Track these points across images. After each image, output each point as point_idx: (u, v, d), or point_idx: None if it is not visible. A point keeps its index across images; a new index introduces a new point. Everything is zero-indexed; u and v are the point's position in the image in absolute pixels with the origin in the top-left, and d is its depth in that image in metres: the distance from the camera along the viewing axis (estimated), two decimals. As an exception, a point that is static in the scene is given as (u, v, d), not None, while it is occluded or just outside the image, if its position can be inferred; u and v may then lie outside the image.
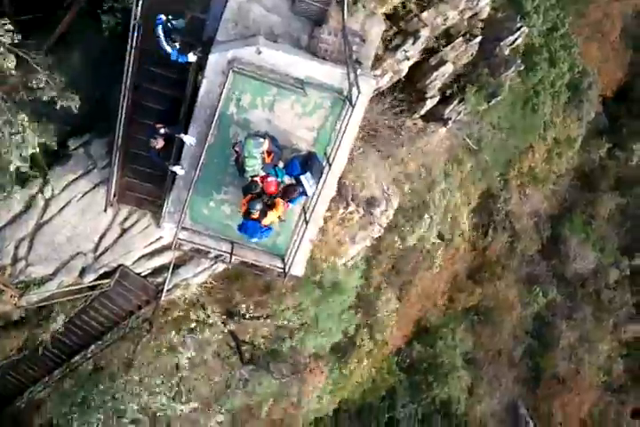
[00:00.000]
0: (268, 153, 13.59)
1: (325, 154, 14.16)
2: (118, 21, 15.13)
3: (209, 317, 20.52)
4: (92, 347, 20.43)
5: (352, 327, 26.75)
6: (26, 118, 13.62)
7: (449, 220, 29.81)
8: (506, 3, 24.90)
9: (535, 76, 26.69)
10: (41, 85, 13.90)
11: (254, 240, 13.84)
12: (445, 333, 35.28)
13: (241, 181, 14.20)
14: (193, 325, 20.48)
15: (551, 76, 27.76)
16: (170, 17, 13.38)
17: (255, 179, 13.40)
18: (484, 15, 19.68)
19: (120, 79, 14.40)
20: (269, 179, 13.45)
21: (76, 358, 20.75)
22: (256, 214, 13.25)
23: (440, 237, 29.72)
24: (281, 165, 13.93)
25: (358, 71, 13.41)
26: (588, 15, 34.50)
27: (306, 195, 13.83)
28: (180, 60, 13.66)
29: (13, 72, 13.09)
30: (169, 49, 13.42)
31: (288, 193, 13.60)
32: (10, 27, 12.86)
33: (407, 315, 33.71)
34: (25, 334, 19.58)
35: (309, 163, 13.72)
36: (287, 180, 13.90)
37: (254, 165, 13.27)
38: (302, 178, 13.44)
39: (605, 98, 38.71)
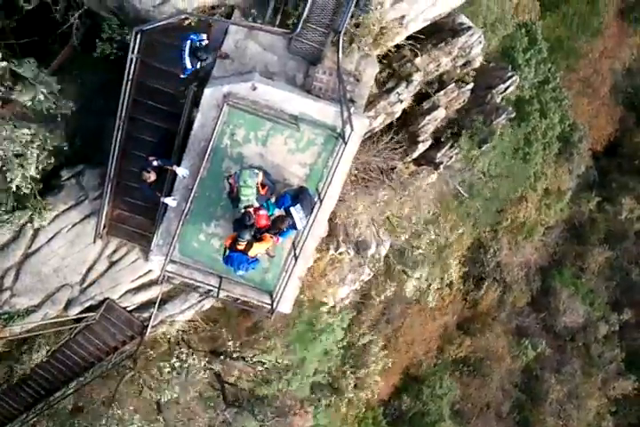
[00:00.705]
0: (262, 186, 13.68)
1: (317, 190, 14.24)
2: (113, 51, 15.37)
3: (193, 355, 20.20)
4: (74, 383, 19.95)
5: (339, 374, 26.42)
6: (27, 132, 13.76)
7: (439, 268, 29.75)
8: (498, 55, 25.56)
9: (527, 126, 27.11)
10: (38, 98, 14.15)
11: (240, 273, 13.64)
12: (433, 381, 34.83)
13: (232, 215, 14.24)
14: (177, 363, 20.12)
15: (542, 126, 28.19)
16: (200, 39, 13.57)
17: (249, 210, 13.36)
18: (477, 64, 20.09)
19: (115, 111, 14.55)
20: (261, 212, 13.45)
21: (57, 394, 20.17)
22: (242, 245, 13.13)
23: (430, 285, 29.60)
24: (273, 199, 14.01)
25: (352, 109, 13.60)
26: (578, 70, 35.38)
27: (295, 228, 13.83)
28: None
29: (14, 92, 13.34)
30: (189, 65, 13.48)
31: (278, 224, 13.59)
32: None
33: (395, 365, 33.33)
34: (4, 367, 19.25)
35: (300, 197, 13.75)
36: (277, 212, 13.93)
37: (250, 195, 13.30)
38: (292, 210, 13.44)
39: (595, 152, 39.29)
